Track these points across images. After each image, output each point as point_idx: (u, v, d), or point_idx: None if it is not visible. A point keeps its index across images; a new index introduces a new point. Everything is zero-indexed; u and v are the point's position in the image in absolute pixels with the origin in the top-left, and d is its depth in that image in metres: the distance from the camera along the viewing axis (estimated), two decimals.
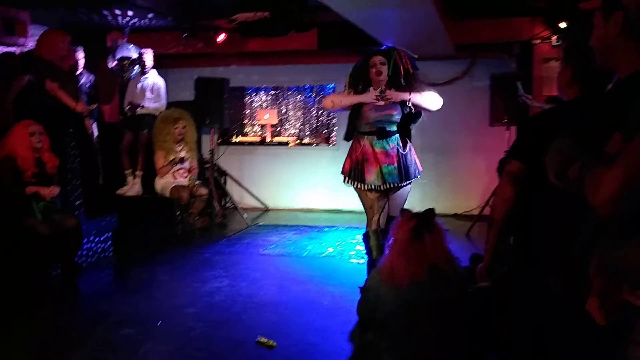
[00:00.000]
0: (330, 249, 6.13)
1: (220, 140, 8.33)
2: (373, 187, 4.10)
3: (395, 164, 4.09)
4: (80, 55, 6.48)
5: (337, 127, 8.73)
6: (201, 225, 7.16)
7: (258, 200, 8.90)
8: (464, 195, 8.05)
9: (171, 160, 6.80)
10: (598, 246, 1.32)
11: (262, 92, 9.27)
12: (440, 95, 7.49)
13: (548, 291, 1.79)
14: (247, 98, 9.30)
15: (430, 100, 4.19)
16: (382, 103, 4.09)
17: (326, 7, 4.65)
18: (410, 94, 4.08)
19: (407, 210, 2.72)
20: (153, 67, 7.34)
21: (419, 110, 4.13)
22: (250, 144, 9.01)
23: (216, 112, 7.49)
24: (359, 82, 4.22)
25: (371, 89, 4.15)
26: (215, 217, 7.61)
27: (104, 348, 3.52)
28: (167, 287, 4.81)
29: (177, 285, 4.87)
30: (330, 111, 5.53)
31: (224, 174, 8.56)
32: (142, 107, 7.11)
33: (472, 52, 7.88)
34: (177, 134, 6.84)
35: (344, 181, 4.27)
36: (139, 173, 7.15)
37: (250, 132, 9.37)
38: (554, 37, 6.94)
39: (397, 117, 4.10)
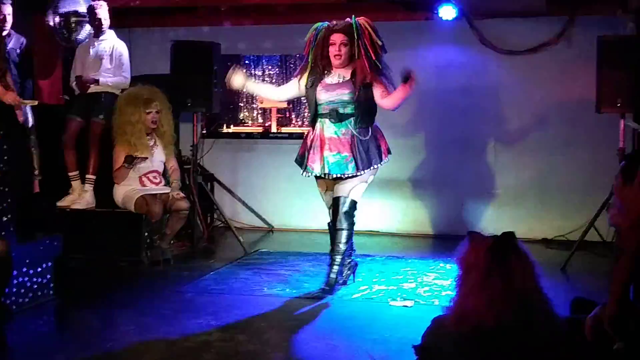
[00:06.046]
0: (364, 288, 6.08)
1: (205, 131, 8.39)
2: (315, 175, 5.79)
3: (347, 152, 5.65)
4: (8, 10, 6.55)
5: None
6: (179, 252, 7.23)
7: (259, 216, 8.84)
8: (557, 211, 8.00)
9: (131, 160, 6.80)
10: None
11: (266, 63, 9.12)
12: (527, 67, 8.20)
13: None
14: (244, 71, 8.96)
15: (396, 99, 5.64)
16: (333, 82, 5.72)
17: None
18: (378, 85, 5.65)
19: (475, 232, 2.82)
20: (111, 27, 7.42)
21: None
22: (249, 136, 8.95)
23: (201, 90, 7.59)
24: (319, 59, 5.80)
25: (330, 75, 5.78)
26: (199, 240, 7.67)
27: None
28: (131, 342, 4.71)
29: (146, 338, 4.78)
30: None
31: (210, 178, 8.48)
32: (98, 82, 7.18)
33: (571, 7, 7.79)
34: (150, 120, 6.90)
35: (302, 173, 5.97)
36: (90, 177, 7.17)
37: (249, 119, 9.30)
38: None
39: (350, 97, 5.65)
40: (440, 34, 8.32)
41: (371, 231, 8.46)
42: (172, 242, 7.08)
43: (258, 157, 8.82)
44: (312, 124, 5.92)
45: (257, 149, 8.87)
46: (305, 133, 6.09)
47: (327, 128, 5.78)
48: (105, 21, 7.30)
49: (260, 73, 9.27)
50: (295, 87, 6.06)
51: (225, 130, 9.12)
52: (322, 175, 5.79)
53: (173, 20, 8.76)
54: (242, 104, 9.35)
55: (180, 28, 8.69)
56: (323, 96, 5.77)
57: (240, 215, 8.85)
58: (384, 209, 8.54)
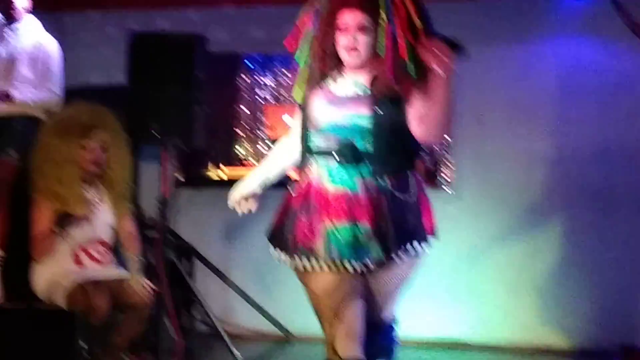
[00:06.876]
0: None
1: (182, 177, 7.87)
2: (325, 263, 4.21)
3: (367, 221, 4.16)
4: None
5: (457, 152, 8.04)
6: None
7: (269, 318, 7.97)
8: None
9: (65, 220, 6.03)
10: None
11: (278, 64, 8.52)
12: None
13: None
14: (244, 79, 8.59)
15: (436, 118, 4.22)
16: (346, 93, 4.42)
17: None
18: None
19: (634, 349, 3.45)
20: (31, 10, 7.10)
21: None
22: None
23: (175, 111, 7.08)
24: (318, 57, 4.47)
25: (333, 80, 4.45)
26: (169, 354, 7.08)
27: None
28: None
29: None
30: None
31: (189, 253, 7.76)
32: (9, 98, 6.83)
33: None
34: (89, 160, 6.25)
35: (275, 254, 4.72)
36: None
37: (252, 156, 8.69)
38: None
39: (371, 120, 4.27)
40: (566, 21, 7.54)
41: (452, 342, 7.57)
42: (126, 356, 6.26)
43: (267, 219, 7.36)
44: (302, 168, 4.49)
45: (265, 205, 7.56)
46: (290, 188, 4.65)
47: (332, 176, 4.28)
48: (24, 2, 6.88)
49: (271, 82, 8.65)
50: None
51: (213, 174, 8.47)
52: (326, 265, 4.15)
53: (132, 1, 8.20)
54: (240, 132, 8.70)
55: (142, 12, 8.09)
56: (325, 115, 4.32)
57: (238, 314, 7.99)
58: (473, 306, 7.67)
